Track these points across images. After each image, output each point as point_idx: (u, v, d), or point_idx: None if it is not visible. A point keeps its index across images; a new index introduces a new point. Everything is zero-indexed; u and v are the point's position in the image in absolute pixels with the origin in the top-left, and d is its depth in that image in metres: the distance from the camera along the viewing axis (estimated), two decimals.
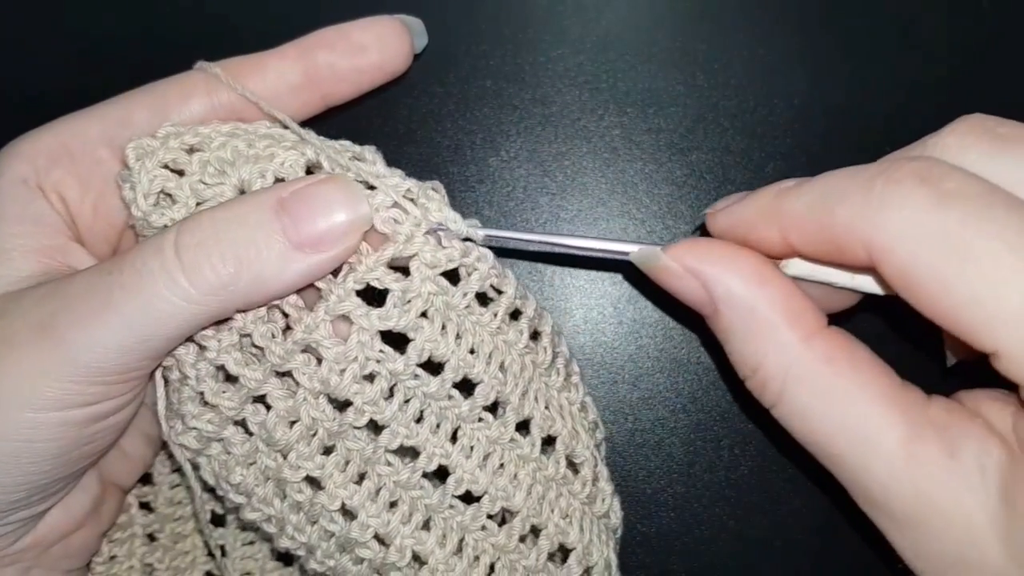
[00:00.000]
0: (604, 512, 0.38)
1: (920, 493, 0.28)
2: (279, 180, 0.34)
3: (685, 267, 0.31)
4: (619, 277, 0.46)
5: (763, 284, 0.31)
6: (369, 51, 0.38)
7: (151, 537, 0.43)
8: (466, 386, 0.35)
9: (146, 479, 0.43)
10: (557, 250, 0.35)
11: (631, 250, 0.34)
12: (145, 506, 0.44)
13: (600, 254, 0.35)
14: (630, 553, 0.39)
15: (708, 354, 0.45)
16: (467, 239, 0.35)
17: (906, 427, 0.28)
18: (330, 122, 0.40)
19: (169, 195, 0.34)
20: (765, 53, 0.46)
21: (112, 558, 0.42)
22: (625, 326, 0.45)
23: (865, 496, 0.29)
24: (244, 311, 0.33)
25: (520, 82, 0.46)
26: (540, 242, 0.35)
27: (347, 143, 0.36)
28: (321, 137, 0.35)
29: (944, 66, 0.46)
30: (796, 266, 0.32)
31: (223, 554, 0.43)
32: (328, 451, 0.35)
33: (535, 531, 0.36)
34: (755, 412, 0.40)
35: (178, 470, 0.40)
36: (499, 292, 0.36)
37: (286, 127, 0.36)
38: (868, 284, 0.32)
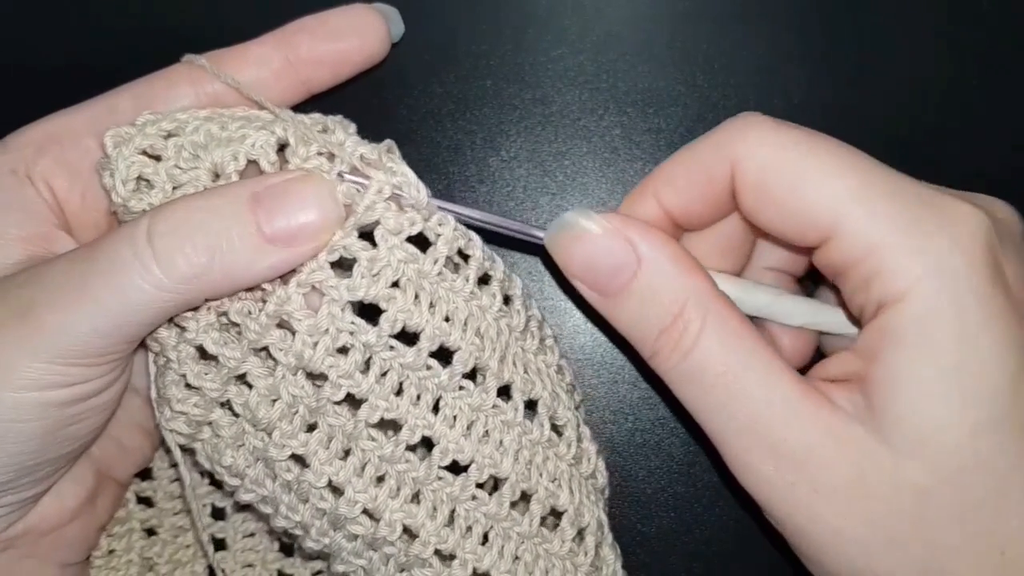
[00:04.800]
0: (591, 472, 0.38)
1: (817, 420, 0.31)
2: (251, 162, 0.34)
3: (614, 227, 0.33)
4: None
5: (673, 241, 0.34)
6: (347, 36, 0.39)
7: (151, 531, 0.43)
8: (443, 355, 0.35)
9: (145, 474, 0.43)
10: (485, 227, 0.36)
11: (542, 234, 0.36)
12: (144, 501, 0.44)
13: (517, 235, 0.36)
14: (630, 553, 0.39)
15: None
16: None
17: (792, 372, 0.32)
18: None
19: (147, 180, 0.34)
20: (765, 53, 0.46)
21: (111, 552, 0.42)
22: None
23: (766, 433, 0.31)
24: (215, 300, 0.34)
25: (520, 82, 0.46)
26: (470, 217, 0.36)
27: (317, 116, 0.36)
28: (294, 114, 0.36)
29: (944, 66, 0.46)
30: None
31: (221, 547, 0.43)
32: (312, 428, 0.35)
33: (525, 497, 0.36)
34: None
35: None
36: (465, 256, 0.36)
37: (263, 107, 0.36)
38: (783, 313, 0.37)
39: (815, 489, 0.31)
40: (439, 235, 0.34)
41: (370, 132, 0.41)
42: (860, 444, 0.31)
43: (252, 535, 0.44)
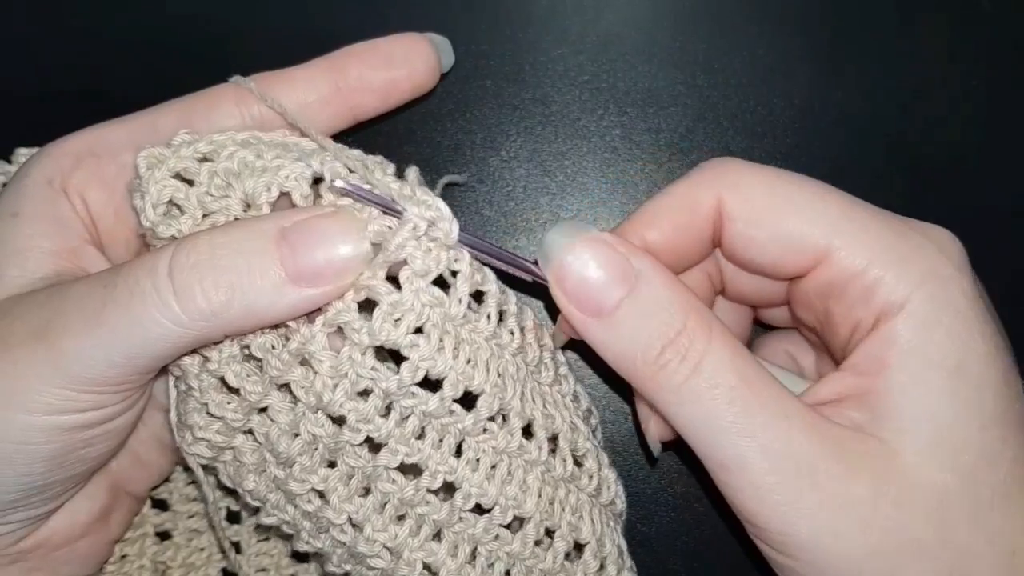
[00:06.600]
0: (610, 500, 0.37)
1: (829, 436, 0.31)
2: (284, 194, 0.33)
3: (614, 240, 0.33)
4: None
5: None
6: (398, 64, 0.38)
7: (165, 535, 0.43)
8: (466, 396, 0.33)
9: None
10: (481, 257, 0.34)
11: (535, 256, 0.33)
12: (159, 504, 0.44)
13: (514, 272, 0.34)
14: (630, 553, 0.39)
15: None
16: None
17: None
18: None
19: (177, 205, 0.33)
20: (765, 53, 0.46)
21: (123, 557, 0.42)
22: None
23: (789, 450, 0.31)
24: (234, 337, 0.33)
25: (520, 82, 0.46)
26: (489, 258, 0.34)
27: (357, 153, 0.35)
28: (339, 145, 0.34)
29: (944, 66, 0.46)
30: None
31: (238, 551, 0.43)
32: (332, 464, 0.34)
33: (549, 533, 0.35)
34: None
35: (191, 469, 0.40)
36: (479, 291, 0.34)
37: (305, 135, 0.35)
38: None
39: (841, 505, 0.30)
40: (457, 272, 0.32)
41: (371, 132, 0.41)
42: (877, 455, 0.30)
43: (266, 539, 0.44)
